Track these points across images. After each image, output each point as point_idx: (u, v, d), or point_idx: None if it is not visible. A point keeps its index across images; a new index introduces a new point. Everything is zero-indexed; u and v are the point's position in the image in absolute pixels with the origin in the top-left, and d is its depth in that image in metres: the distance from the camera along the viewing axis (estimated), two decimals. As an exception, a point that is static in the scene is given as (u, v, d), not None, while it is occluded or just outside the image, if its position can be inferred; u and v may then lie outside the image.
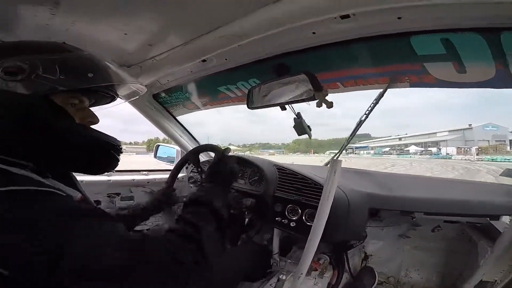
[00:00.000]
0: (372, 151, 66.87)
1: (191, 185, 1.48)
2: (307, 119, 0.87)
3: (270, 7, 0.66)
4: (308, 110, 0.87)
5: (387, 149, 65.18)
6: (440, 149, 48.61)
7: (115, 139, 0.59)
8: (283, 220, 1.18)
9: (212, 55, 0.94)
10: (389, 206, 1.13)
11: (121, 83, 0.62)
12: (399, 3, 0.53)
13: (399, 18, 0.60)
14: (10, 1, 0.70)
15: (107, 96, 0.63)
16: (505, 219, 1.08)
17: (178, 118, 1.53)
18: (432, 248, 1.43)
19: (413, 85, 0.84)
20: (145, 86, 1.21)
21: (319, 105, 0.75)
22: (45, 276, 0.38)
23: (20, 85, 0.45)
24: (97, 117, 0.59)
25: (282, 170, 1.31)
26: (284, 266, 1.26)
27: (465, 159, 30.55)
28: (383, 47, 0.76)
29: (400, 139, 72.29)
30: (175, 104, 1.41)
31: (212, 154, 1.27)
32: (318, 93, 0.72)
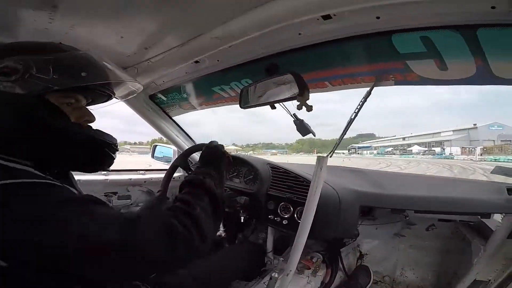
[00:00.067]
0: (375, 151, 66.28)
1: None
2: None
3: (258, 9, 0.68)
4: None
5: (390, 149, 64.54)
6: (444, 149, 47.89)
7: (111, 137, 0.60)
8: (275, 218, 1.20)
9: (205, 56, 0.97)
10: (381, 204, 1.14)
11: (116, 82, 0.64)
12: (375, 2, 0.55)
13: (377, 18, 0.62)
14: (10, 5, 0.73)
15: (104, 94, 0.63)
16: (497, 217, 1.08)
17: (175, 118, 1.55)
18: (427, 247, 1.43)
19: (398, 83, 0.86)
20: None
21: (299, 107, 0.77)
22: (48, 266, 0.40)
23: (15, 86, 0.46)
24: (93, 116, 0.61)
25: (275, 169, 1.33)
26: (277, 264, 1.27)
27: (467, 159, 30.09)
28: (367, 46, 0.77)
29: (403, 139, 71.58)
30: (171, 104, 1.44)
31: None
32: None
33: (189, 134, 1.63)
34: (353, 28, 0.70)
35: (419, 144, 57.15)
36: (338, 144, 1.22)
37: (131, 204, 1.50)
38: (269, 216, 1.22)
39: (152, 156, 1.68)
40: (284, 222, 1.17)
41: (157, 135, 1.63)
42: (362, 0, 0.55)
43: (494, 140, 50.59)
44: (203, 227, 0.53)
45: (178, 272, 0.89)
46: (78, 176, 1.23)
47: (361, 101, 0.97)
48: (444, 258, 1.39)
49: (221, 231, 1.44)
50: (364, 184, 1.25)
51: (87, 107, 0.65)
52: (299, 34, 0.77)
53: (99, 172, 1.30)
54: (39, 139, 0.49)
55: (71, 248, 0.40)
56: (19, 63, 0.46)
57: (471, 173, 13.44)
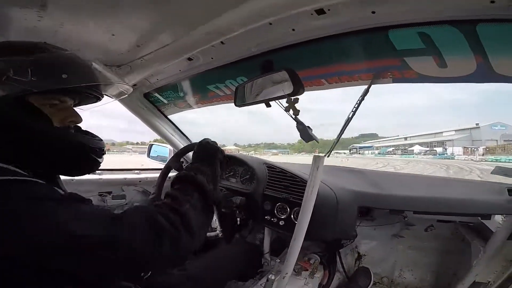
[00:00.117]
0: (376, 151, 66.12)
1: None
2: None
3: (250, 2, 0.66)
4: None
5: (391, 149, 64.35)
6: (446, 149, 47.54)
7: (97, 141, 0.59)
8: (272, 219, 1.18)
9: (198, 53, 0.96)
10: (379, 205, 1.12)
11: (101, 84, 0.62)
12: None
13: (373, 12, 0.60)
14: None
15: (91, 96, 0.61)
16: (497, 218, 1.06)
17: (171, 116, 1.54)
18: (426, 247, 1.41)
19: (396, 80, 0.84)
20: (136, 85, 1.25)
21: (287, 110, 0.76)
22: (31, 263, 0.39)
23: None
24: (79, 117, 0.59)
25: (272, 168, 1.31)
26: (274, 266, 1.25)
27: (467, 159, 30.00)
28: (363, 43, 0.75)
29: (405, 138, 71.26)
30: (166, 103, 1.42)
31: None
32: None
33: (184, 133, 1.61)
34: (348, 23, 0.68)
35: (420, 144, 56.78)
36: (335, 143, 1.21)
37: (126, 204, 1.48)
38: (266, 217, 1.20)
39: (148, 155, 1.66)
40: (281, 223, 1.15)
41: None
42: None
43: (497, 140, 50.16)
44: (191, 224, 0.52)
45: (172, 272, 0.88)
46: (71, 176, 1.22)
47: (359, 100, 0.96)
48: (443, 259, 1.37)
49: (217, 231, 1.43)
50: (363, 184, 1.23)
51: (78, 107, 0.64)
52: (293, 30, 0.75)
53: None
54: (16, 141, 0.48)
55: (52, 244, 0.39)
56: None
57: (467, 174, 13.41)
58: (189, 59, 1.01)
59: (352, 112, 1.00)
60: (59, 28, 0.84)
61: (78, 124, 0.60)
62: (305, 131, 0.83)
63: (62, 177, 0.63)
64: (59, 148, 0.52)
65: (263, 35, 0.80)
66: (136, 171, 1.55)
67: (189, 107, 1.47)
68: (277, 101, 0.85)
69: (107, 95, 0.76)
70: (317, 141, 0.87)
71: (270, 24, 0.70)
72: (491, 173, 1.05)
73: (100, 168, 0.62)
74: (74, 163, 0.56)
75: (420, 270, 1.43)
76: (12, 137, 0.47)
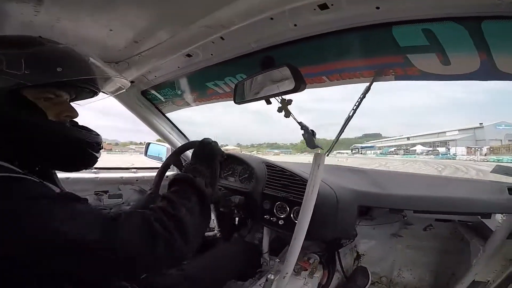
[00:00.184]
0: (379, 151, 66.19)
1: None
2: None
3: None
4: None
5: (393, 149, 64.35)
6: (449, 149, 47.20)
7: (94, 136, 0.57)
8: (271, 218, 1.17)
9: (197, 49, 0.94)
10: (379, 204, 1.12)
11: (97, 77, 0.60)
12: (375, -9, 0.52)
13: (377, 8, 0.59)
14: None
15: (86, 90, 0.60)
16: (497, 217, 1.06)
17: (169, 115, 1.51)
18: (425, 247, 1.41)
19: (398, 78, 0.83)
20: (134, 82, 1.23)
21: (279, 110, 0.75)
22: (30, 262, 0.40)
23: None
24: (75, 111, 0.58)
25: (271, 167, 1.30)
26: (273, 265, 1.24)
27: (468, 159, 30.18)
28: (366, 39, 0.74)
29: (408, 138, 71.14)
30: (164, 100, 1.40)
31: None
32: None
33: (183, 131, 1.59)
34: (351, 19, 0.67)
35: (423, 144, 56.33)
36: (335, 142, 1.20)
37: (123, 203, 1.46)
38: (265, 216, 1.19)
39: (145, 154, 1.64)
40: (280, 222, 1.14)
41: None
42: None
43: (501, 140, 49.36)
44: (186, 229, 0.52)
45: (170, 271, 0.87)
46: (67, 174, 1.19)
47: (360, 98, 0.94)
48: (442, 259, 1.37)
49: (216, 231, 1.41)
50: (363, 184, 1.22)
51: (75, 102, 0.63)
52: (295, 25, 0.73)
53: (88, 170, 1.28)
54: (10, 137, 0.47)
55: (49, 244, 0.40)
56: None
57: (462, 174, 13.53)
58: (188, 55, 1.00)
59: (352, 111, 0.98)
60: (55, 23, 0.83)
61: (75, 120, 0.59)
62: (310, 139, 0.83)
63: (58, 175, 0.62)
64: (55, 142, 0.51)
65: (264, 30, 0.79)
66: (133, 170, 1.53)
67: (187, 105, 1.45)
68: (277, 100, 0.84)
69: (103, 92, 0.75)
70: (321, 149, 0.87)
71: (271, 19, 0.69)
72: (491, 172, 1.05)
73: (96, 166, 0.61)
74: (71, 158, 0.55)
75: (419, 270, 1.43)
76: (5, 132, 0.46)
